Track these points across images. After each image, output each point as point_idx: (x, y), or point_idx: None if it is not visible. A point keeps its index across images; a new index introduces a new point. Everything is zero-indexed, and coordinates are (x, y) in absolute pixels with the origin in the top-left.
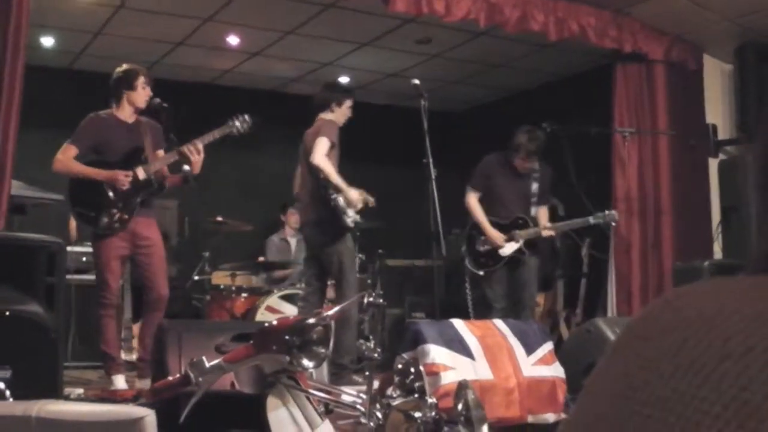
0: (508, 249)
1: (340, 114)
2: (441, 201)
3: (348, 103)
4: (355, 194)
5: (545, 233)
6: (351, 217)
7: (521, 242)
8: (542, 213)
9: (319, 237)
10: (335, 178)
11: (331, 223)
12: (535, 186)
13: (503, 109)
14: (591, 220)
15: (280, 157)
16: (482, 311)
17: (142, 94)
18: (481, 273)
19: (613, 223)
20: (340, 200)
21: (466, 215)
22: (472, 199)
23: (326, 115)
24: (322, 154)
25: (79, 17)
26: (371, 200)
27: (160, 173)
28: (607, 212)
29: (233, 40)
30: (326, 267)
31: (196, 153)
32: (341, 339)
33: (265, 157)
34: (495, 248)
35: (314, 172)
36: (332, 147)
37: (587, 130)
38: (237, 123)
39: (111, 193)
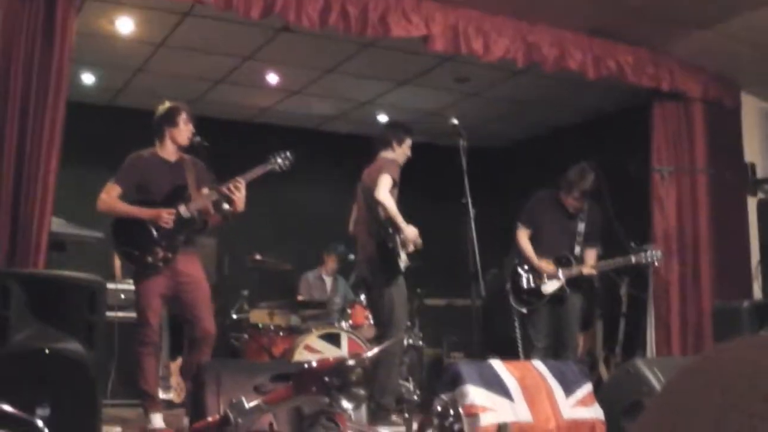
0: (550, 287)
1: (400, 153)
2: (479, 239)
3: (408, 142)
4: (412, 232)
5: (586, 271)
6: (404, 260)
7: (563, 280)
8: (590, 254)
9: (373, 275)
10: (396, 215)
11: (386, 262)
12: (581, 225)
13: (542, 147)
14: (633, 259)
15: (319, 195)
16: (526, 349)
17: (184, 130)
18: (524, 310)
19: (656, 263)
20: (398, 241)
21: (504, 254)
22: (523, 236)
23: (387, 154)
24: (386, 190)
25: (120, 55)
26: (419, 242)
27: (204, 211)
28: (650, 252)
29: (273, 78)
30: (377, 306)
31: (238, 191)
32: (385, 379)
33: (304, 195)
34: (538, 286)
35: (374, 210)
36: (394, 185)
37: (625, 169)
38: (279, 160)
39: (155, 232)
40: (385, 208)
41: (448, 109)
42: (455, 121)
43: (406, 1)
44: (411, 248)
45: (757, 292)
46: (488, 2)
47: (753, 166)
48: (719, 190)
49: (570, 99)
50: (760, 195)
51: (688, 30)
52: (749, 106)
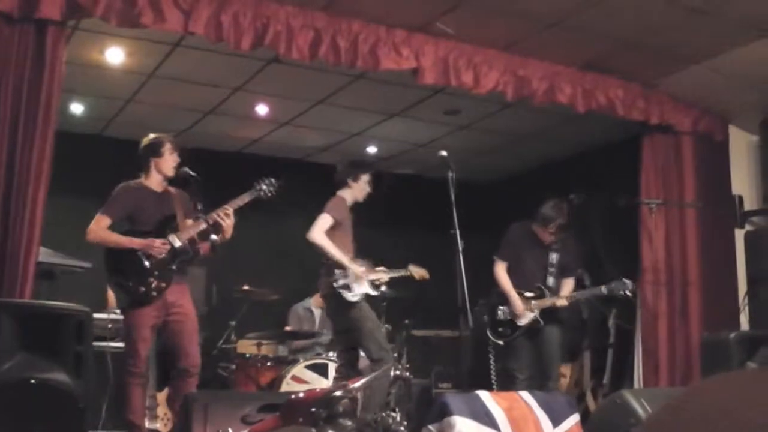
0: (525, 319)
1: (357, 189)
2: (468, 271)
3: (365, 178)
4: (357, 270)
5: (559, 303)
6: (356, 291)
7: (536, 312)
8: (566, 285)
9: (331, 310)
10: (333, 253)
11: (334, 299)
12: (554, 256)
13: (531, 180)
14: (603, 289)
15: (308, 227)
16: (506, 382)
17: (169, 160)
18: (501, 343)
19: (628, 293)
20: (338, 276)
21: (492, 285)
22: (501, 270)
23: (343, 192)
24: (318, 229)
25: (109, 85)
26: (419, 272)
27: (192, 240)
28: (621, 282)
29: (262, 109)
30: (351, 337)
31: (226, 218)
32: (369, 396)
33: (292, 227)
34: (514, 318)
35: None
36: (337, 223)
37: (615, 202)
38: (264, 186)
39: (147, 262)
40: (317, 248)
41: (438, 142)
42: (444, 153)
43: (397, 33)
44: (380, 280)
45: (745, 324)
46: (479, 35)
47: (741, 199)
48: (708, 222)
49: (561, 132)
50: (748, 227)
51: (679, 65)
52: (737, 138)
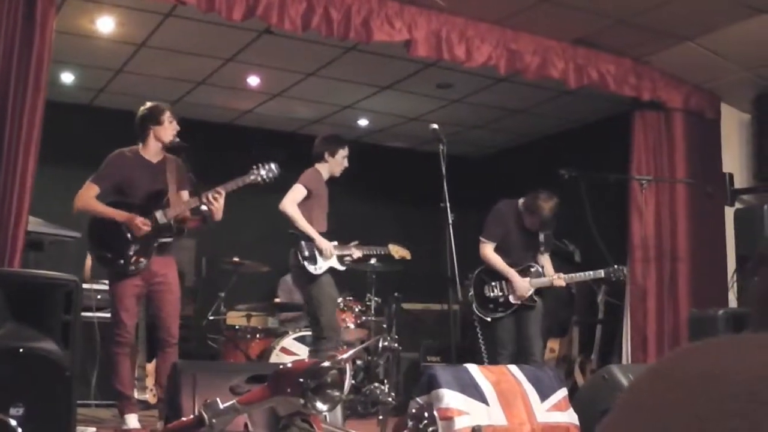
0: (521, 298)
1: (334, 164)
2: (458, 245)
3: (342, 152)
4: (324, 245)
5: (557, 283)
6: (320, 265)
7: (532, 290)
8: (547, 260)
9: (295, 281)
10: (302, 225)
11: (298, 269)
12: (541, 236)
13: (522, 155)
14: (602, 273)
15: None
16: (492, 356)
17: (169, 128)
18: (489, 319)
19: (622, 278)
20: (304, 247)
21: (480, 260)
22: (489, 250)
23: (320, 165)
24: (289, 200)
25: (100, 55)
26: (400, 252)
27: (181, 217)
28: (616, 267)
29: (254, 80)
30: (307, 308)
31: (216, 201)
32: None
33: (282, 198)
34: (506, 295)
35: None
36: (309, 195)
37: (605, 177)
38: (263, 171)
39: (129, 236)
40: (288, 218)
41: (430, 115)
42: (435, 126)
43: (389, 5)
44: (335, 256)
45: (733, 301)
46: (472, 9)
47: (731, 177)
48: (698, 199)
49: (552, 107)
50: (738, 205)
51: (670, 41)
52: (729, 116)
